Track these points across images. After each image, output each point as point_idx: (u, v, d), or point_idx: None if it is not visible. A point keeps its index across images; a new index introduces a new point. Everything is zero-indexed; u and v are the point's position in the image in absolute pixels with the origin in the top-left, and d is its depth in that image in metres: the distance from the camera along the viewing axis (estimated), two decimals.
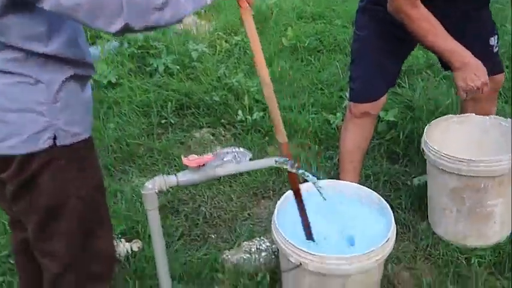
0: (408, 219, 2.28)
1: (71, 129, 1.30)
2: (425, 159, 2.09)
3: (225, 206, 2.48)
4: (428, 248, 2.13)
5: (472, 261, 2.02)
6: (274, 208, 2.47)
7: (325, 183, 1.84)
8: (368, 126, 2.18)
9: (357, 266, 1.54)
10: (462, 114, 2.19)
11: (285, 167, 1.45)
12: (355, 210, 1.79)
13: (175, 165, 2.78)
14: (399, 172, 2.60)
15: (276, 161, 1.47)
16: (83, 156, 1.35)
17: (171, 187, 1.42)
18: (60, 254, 1.39)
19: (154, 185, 1.45)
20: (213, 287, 1.96)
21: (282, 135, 1.50)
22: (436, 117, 2.31)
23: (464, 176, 1.91)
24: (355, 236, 1.72)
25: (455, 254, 2.06)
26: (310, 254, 1.55)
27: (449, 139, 2.14)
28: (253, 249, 2.12)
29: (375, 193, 1.78)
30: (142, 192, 1.48)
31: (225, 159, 2.95)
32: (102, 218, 1.46)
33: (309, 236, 1.70)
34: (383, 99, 2.13)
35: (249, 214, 2.44)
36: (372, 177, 2.55)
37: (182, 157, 1.42)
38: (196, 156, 1.40)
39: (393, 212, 2.19)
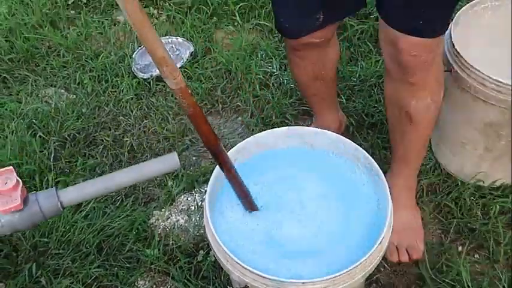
0: None
1: None
2: None
3: (159, 131, 1.84)
4: (430, 191, 1.57)
5: (492, 210, 1.49)
6: (225, 128, 1.89)
7: (283, 131, 1.20)
8: (321, 52, 1.37)
9: None
10: None
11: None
12: (329, 178, 1.18)
13: (90, 69, 2.06)
14: None
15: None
16: None
17: None
18: None
19: None
20: (135, 274, 1.42)
21: (169, 72, 0.80)
22: None
23: None
24: (326, 217, 1.14)
25: (468, 200, 1.51)
26: (260, 276, 0.99)
27: (475, 36, 1.44)
28: (192, 208, 1.55)
29: (360, 149, 1.15)
30: None
31: None
32: None
33: (249, 204, 1.11)
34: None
35: (190, 140, 1.81)
36: (354, 79, 1.88)
37: None
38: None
39: (382, 135, 1.61)
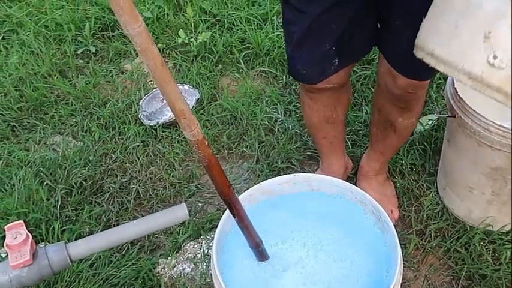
0: (409, 187, 1.68)
1: None
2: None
3: (165, 177, 1.84)
4: (439, 236, 1.56)
5: (503, 256, 1.47)
6: (231, 174, 1.89)
7: (289, 178, 1.21)
8: (334, 96, 1.41)
9: None
10: None
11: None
12: (337, 225, 1.18)
13: (98, 117, 2.09)
14: None
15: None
16: None
17: None
18: None
19: None
20: None
21: (186, 124, 0.81)
22: None
23: None
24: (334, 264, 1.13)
25: (477, 246, 1.50)
26: None
27: None
28: (199, 256, 1.53)
29: (370, 198, 1.15)
30: None
31: (165, 101, 2.26)
32: None
33: (261, 255, 1.11)
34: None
35: (197, 186, 1.82)
36: (359, 124, 1.90)
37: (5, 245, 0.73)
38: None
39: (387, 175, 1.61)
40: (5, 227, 0.71)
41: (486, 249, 1.49)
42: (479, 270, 1.45)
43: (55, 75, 2.26)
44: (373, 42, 1.29)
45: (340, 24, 1.18)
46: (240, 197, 1.17)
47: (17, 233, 0.68)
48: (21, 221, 0.71)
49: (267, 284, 1.09)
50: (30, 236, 0.70)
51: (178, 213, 0.77)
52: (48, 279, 1.51)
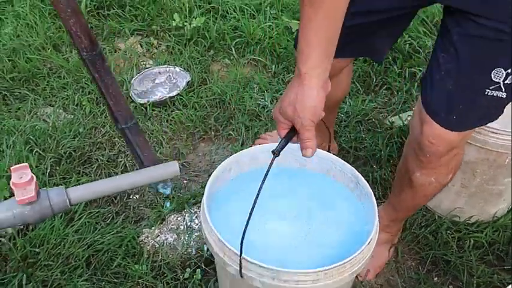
0: (385, 177, 1.77)
1: None
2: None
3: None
4: (410, 224, 1.65)
5: (466, 244, 1.57)
6: (216, 155, 1.96)
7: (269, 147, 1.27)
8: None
9: (324, 284, 1.05)
10: None
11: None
12: (317, 191, 1.26)
13: (89, 92, 2.13)
14: (377, 106, 2.04)
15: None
16: None
17: None
18: None
19: None
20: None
21: None
22: None
23: (487, 149, 1.39)
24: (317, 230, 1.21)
25: (444, 234, 1.59)
26: (257, 265, 1.04)
27: None
28: (182, 227, 1.60)
29: (349, 166, 1.23)
30: None
31: (156, 82, 2.32)
32: None
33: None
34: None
35: (183, 165, 1.88)
36: (341, 115, 1.99)
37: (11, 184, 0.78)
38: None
39: (367, 168, 1.70)
40: (11, 168, 0.76)
41: (452, 237, 1.59)
42: (444, 256, 1.55)
43: (49, 49, 2.30)
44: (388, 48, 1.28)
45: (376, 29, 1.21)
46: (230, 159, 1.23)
47: (23, 173, 0.74)
48: (27, 164, 0.77)
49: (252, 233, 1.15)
50: (35, 177, 0.76)
51: (170, 168, 0.84)
52: (35, 240, 1.56)
